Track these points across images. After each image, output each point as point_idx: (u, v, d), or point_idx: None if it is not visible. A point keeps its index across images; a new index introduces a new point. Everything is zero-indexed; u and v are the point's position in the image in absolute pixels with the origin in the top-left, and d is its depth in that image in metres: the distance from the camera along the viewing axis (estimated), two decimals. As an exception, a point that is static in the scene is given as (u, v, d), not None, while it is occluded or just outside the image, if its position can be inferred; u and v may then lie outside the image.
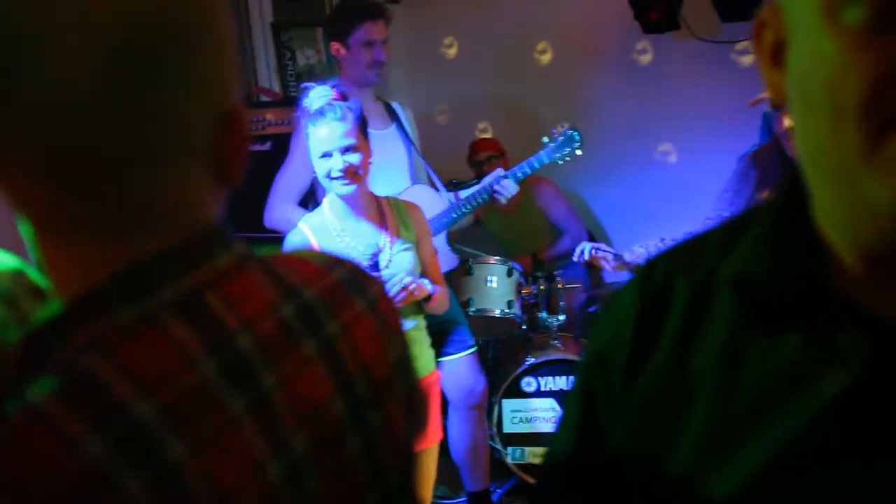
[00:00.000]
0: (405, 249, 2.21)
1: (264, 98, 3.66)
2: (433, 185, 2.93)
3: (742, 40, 3.40)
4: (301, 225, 2.19)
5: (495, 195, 2.74)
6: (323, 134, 2.04)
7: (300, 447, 0.59)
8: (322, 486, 0.60)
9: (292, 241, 2.16)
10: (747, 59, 3.45)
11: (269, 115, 3.25)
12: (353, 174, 2.04)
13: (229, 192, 0.64)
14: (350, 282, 0.70)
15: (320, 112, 2.04)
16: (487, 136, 4.07)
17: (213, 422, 0.54)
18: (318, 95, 2.08)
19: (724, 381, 0.58)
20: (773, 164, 2.15)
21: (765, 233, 0.58)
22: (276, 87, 3.86)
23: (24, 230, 0.59)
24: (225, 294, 0.59)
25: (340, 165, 2.02)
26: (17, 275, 0.89)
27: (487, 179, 2.76)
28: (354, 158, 2.03)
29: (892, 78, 0.45)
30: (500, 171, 2.77)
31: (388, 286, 2.06)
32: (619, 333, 0.67)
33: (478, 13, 4.08)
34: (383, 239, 2.18)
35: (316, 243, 2.13)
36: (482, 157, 3.69)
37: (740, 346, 0.58)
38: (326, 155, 2.04)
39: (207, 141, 0.58)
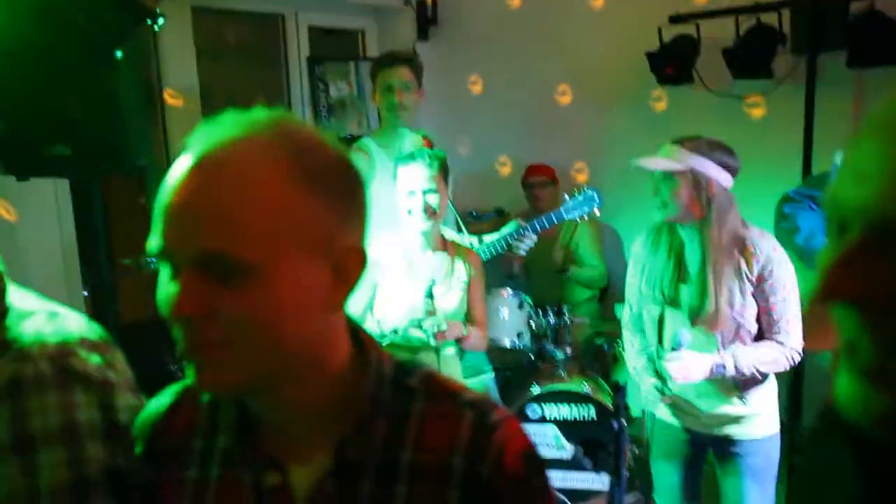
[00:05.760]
0: (458, 288, 2.44)
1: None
2: (459, 228, 3.08)
3: (752, 95, 3.57)
4: (381, 238, 2.38)
5: (514, 247, 2.88)
6: (410, 174, 2.33)
7: None
8: None
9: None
10: (757, 112, 3.62)
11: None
12: (431, 213, 2.34)
13: None
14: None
15: (411, 156, 2.35)
16: (507, 168, 4.25)
17: None
18: (411, 141, 2.45)
19: None
20: None
21: None
22: (308, 117, 4.08)
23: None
24: None
25: (422, 204, 2.31)
26: None
27: (506, 230, 2.90)
28: (434, 200, 2.33)
29: None
30: (518, 223, 2.90)
31: (425, 327, 2.32)
32: None
33: (502, 54, 4.28)
34: (443, 274, 2.42)
35: (384, 264, 2.39)
36: (534, 181, 3.86)
37: None
38: (410, 193, 2.33)
39: None
